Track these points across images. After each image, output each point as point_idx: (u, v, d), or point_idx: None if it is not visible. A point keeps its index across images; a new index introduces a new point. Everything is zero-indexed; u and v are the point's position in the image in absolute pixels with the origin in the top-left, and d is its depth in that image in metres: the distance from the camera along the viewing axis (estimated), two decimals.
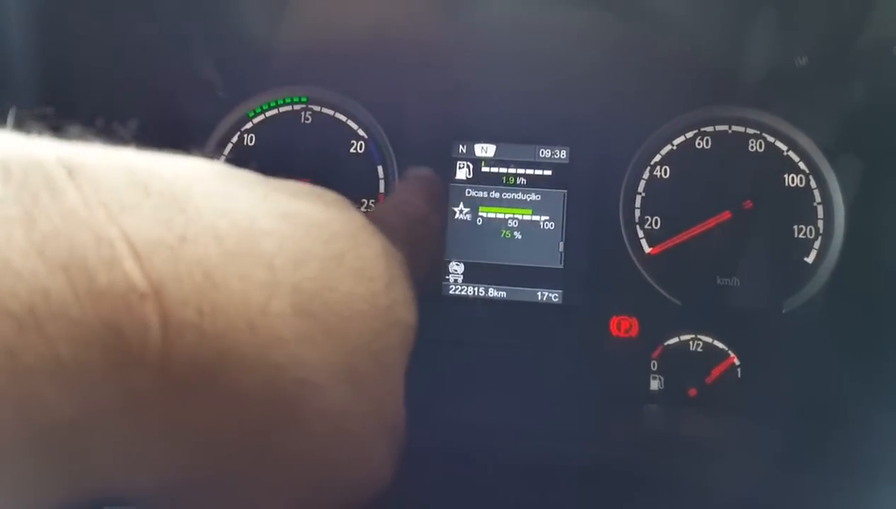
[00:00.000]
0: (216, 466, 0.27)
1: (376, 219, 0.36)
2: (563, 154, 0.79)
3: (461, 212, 0.79)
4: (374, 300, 0.31)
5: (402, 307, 0.33)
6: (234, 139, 0.82)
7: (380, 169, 0.81)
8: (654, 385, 0.75)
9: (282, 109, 0.83)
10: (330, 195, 0.34)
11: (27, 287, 0.20)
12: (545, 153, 0.79)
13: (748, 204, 0.76)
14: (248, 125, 0.83)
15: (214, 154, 0.82)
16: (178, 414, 0.24)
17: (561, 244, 0.77)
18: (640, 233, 0.78)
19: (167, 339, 0.22)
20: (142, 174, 0.25)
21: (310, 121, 0.83)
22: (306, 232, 0.29)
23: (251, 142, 0.83)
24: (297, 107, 0.83)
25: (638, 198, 0.79)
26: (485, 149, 0.80)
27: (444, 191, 0.53)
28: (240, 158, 0.82)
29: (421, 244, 0.41)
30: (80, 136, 0.26)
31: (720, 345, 0.75)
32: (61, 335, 0.20)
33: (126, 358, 0.21)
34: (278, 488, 0.30)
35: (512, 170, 0.79)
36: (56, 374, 0.20)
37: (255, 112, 0.83)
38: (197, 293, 0.23)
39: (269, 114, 0.83)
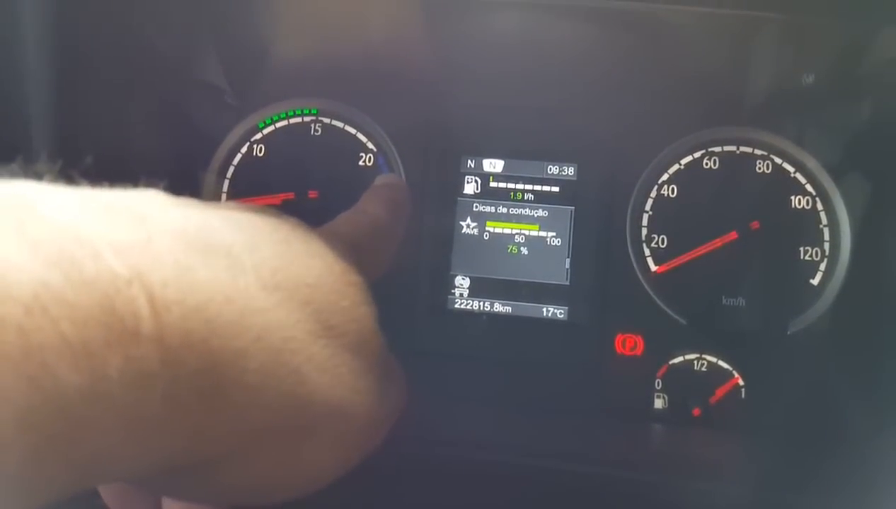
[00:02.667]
0: (222, 434, 0.31)
1: (324, 230, 0.42)
2: (571, 171, 0.79)
3: (468, 226, 0.79)
4: (330, 268, 0.37)
5: (355, 272, 0.39)
6: (244, 149, 0.83)
7: None
8: (658, 404, 0.75)
9: (292, 121, 0.83)
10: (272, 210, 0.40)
11: (29, 278, 0.24)
12: (553, 169, 0.79)
13: (755, 224, 0.76)
14: (258, 135, 0.83)
15: (224, 164, 0.83)
16: (180, 382, 0.28)
17: (567, 261, 0.78)
18: (647, 252, 0.78)
19: (157, 315, 0.27)
20: (103, 198, 0.30)
21: (319, 133, 0.83)
22: (252, 225, 0.35)
23: (260, 152, 0.83)
24: (306, 118, 0.83)
25: (645, 217, 0.79)
26: (493, 165, 0.80)
27: (406, 196, 0.57)
28: (249, 168, 0.83)
29: (372, 246, 0.47)
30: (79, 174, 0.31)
31: (725, 364, 0.75)
32: (63, 316, 0.24)
33: (124, 333, 0.26)
34: (294, 448, 0.34)
35: (520, 186, 0.79)
36: (62, 349, 0.24)
37: (265, 122, 0.83)
38: (173, 276, 0.28)
39: (279, 125, 0.83)
